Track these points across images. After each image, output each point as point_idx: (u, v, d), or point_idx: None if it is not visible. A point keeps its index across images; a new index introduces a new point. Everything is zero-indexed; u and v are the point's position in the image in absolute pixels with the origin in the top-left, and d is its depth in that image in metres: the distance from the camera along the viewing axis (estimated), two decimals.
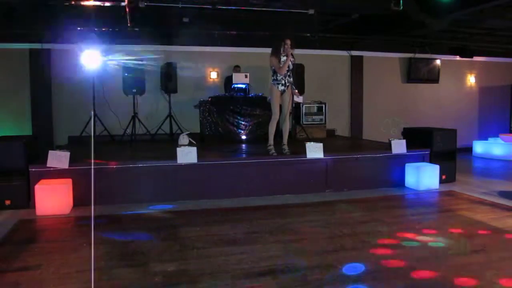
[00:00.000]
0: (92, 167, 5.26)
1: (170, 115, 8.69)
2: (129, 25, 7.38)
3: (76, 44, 6.78)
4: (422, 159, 6.49)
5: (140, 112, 8.44)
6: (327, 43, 9.52)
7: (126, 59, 8.19)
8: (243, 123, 8.20)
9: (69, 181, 5.04)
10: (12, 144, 5.08)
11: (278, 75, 5.88)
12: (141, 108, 8.57)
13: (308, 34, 8.42)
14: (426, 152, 6.54)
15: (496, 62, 11.55)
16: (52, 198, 4.75)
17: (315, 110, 9.09)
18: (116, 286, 2.89)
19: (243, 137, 8.19)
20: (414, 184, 6.16)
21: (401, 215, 4.82)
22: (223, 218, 4.66)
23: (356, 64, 10.41)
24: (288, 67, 5.88)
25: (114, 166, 5.33)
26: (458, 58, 10.94)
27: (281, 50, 5.81)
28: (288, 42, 5.79)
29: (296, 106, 8.74)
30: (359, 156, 6.24)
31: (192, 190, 5.51)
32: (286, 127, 6.11)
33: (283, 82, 5.90)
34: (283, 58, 5.83)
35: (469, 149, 10.36)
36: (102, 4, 7.12)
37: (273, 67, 5.89)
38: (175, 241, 3.85)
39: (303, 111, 8.95)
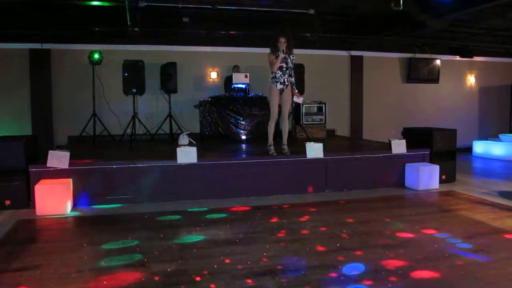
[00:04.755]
0: (93, 167, 5.29)
1: (170, 115, 8.69)
2: (129, 25, 7.38)
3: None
4: (422, 159, 6.49)
5: (140, 112, 8.45)
6: (327, 43, 9.52)
7: (126, 59, 8.20)
8: (243, 123, 8.20)
9: (69, 181, 5.04)
10: (12, 144, 5.08)
11: (277, 73, 5.86)
12: (141, 108, 8.59)
13: (308, 34, 8.41)
14: (426, 152, 6.53)
15: (496, 62, 11.54)
16: (52, 198, 4.75)
17: (315, 110, 9.10)
18: (116, 286, 2.89)
19: (243, 137, 8.19)
20: (414, 184, 6.15)
21: (401, 215, 4.81)
22: (223, 218, 4.66)
23: (356, 64, 10.41)
24: (287, 65, 5.86)
25: (114, 166, 5.33)
26: (458, 58, 10.94)
27: (277, 48, 5.79)
28: (282, 40, 5.75)
29: (296, 106, 8.74)
30: (359, 156, 6.24)
31: (192, 190, 5.51)
32: (286, 127, 6.09)
33: (281, 80, 5.88)
34: (280, 55, 5.81)
35: (469, 149, 10.36)
36: (102, 4, 7.13)
37: None
38: (175, 241, 3.85)
39: (303, 111, 8.96)
